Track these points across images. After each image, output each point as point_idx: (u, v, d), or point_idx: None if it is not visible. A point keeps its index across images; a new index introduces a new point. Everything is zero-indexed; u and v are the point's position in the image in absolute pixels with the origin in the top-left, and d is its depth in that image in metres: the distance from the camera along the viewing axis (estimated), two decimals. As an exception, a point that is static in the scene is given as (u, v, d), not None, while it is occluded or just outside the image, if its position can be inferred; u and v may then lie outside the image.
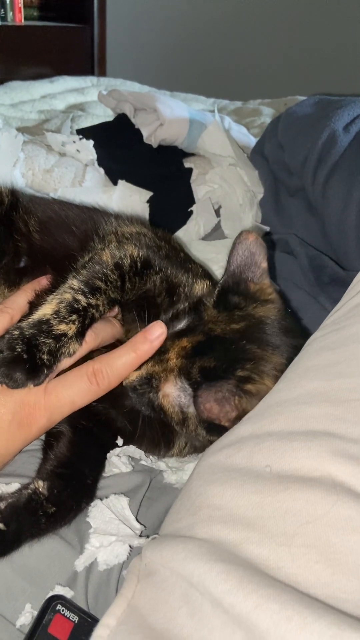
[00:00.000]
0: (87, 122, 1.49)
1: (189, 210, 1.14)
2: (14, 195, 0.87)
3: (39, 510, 0.61)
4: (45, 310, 0.63)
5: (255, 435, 0.52)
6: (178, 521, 0.51)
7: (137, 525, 0.64)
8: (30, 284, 0.75)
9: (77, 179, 1.13)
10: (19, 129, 1.32)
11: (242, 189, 1.17)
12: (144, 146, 1.24)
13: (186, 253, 0.86)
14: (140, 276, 0.71)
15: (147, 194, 1.12)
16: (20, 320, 0.68)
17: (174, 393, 0.67)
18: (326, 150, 1.00)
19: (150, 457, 0.75)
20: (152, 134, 1.23)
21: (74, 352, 0.63)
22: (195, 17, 3.36)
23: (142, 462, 0.74)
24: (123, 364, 0.66)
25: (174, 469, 0.76)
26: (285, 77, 3.18)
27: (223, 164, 1.21)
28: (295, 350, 0.63)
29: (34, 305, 0.70)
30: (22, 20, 3.14)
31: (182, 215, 1.13)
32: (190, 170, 1.22)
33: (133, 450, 0.73)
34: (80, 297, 0.65)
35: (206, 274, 0.81)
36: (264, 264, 0.71)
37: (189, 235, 1.12)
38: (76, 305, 0.64)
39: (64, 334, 0.62)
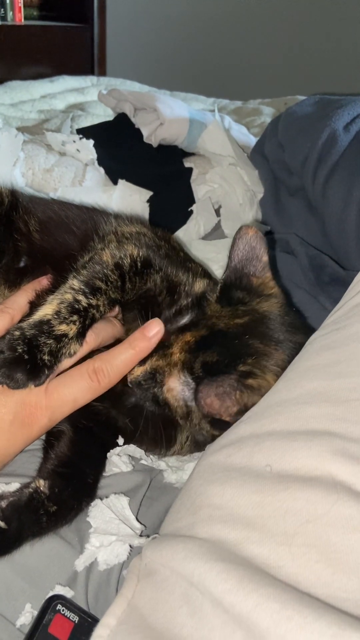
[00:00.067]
0: (87, 122, 1.49)
1: (189, 209, 1.14)
2: (14, 195, 0.87)
3: (40, 509, 0.61)
4: (46, 310, 0.63)
5: (256, 435, 0.52)
6: (178, 521, 0.51)
7: (137, 525, 0.64)
8: (31, 283, 0.75)
9: (77, 179, 1.13)
10: (19, 129, 1.32)
11: (242, 188, 1.17)
12: (144, 146, 1.24)
13: (185, 252, 0.86)
14: (141, 276, 0.71)
15: (147, 194, 1.12)
16: (20, 321, 0.68)
17: (178, 387, 0.68)
18: (326, 149, 1.00)
19: (151, 456, 0.75)
20: (152, 134, 1.23)
21: (75, 353, 0.63)
22: (195, 17, 3.36)
23: (143, 462, 0.74)
24: (123, 361, 0.67)
25: (174, 469, 0.76)
26: (285, 77, 3.18)
27: (223, 164, 1.21)
28: (298, 346, 0.64)
29: (34, 305, 0.70)
30: (22, 19, 3.14)
31: (182, 214, 1.13)
32: (190, 169, 1.22)
33: (133, 449, 0.73)
34: (81, 297, 0.65)
35: (206, 273, 0.81)
36: (265, 257, 0.71)
37: (189, 234, 1.12)
38: (77, 306, 0.64)
39: (65, 335, 0.62)
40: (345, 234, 0.94)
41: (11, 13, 3.09)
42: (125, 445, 0.73)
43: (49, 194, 1.10)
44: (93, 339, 0.66)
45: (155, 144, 1.24)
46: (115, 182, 1.14)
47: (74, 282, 0.66)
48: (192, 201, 1.16)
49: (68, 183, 1.13)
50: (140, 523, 0.65)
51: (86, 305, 0.65)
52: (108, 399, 0.70)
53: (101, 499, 0.65)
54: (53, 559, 0.61)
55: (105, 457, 0.71)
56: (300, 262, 0.99)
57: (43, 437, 0.70)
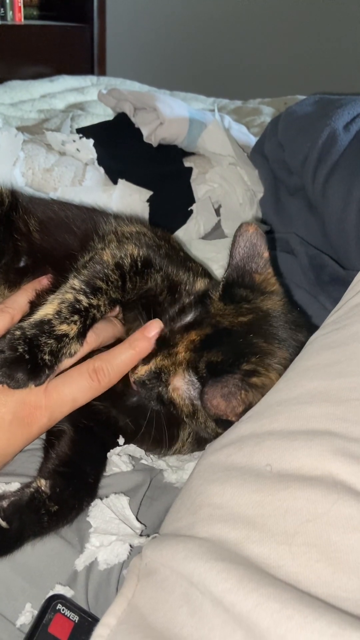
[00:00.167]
0: (87, 121, 1.49)
1: (189, 209, 1.14)
2: (14, 195, 0.87)
3: (41, 509, 0.61)
4: (47, 310, 0.64)
5: (256, 435, 0.52)
6: (178, 520, 0.51)
7: (138, 525, 0.64)
8: (31, 283, 0.75)
9: (77, 178, 1.13)
10: (18, 128, 1.32)
11: (242, 188, 1.17)
12: (144, 145, 1.24)
13: (185, 252, 0.86)
14: (141, 275, 0.71)
15: (147, 193, 1.12)
16: (21, 320, 0.68)
17: (183, 386, 0.68)
18: (326, 149, 1.00)
19: (151, 456, 0.75)
20: (152, 133, 1.23)
21: (75, 353, 0.63)
22: (195, 16, 3.36)
23: (143, 461, 0.74)
24: (123, 361, 0.67)
25: (174, 468, 0.76)
26: (285, 77, 3.18)
27: (223, 163, 1.21)
28: (300, 344, 0.64)
29: (34, 305, 0.70)
30: (22, 19, 3.14)
31: (182, 214, 1.13)
32: (190, 169, 1.22)
33: (133, 449, 0.73)
34: (81, 297, 0.65)
35: (206, 273, 0.81)
36: (266, 254, 0.71)
37: (189, 234, 1.12)
38: (78, 306, 0.64)
39: (66, 335, 0.62)
40: (345, 233, 0.94)
41: (11, 13, 3.09)
42: (126, 445, 0.73)
43: (48, 194, 1.10)
44: (93, 339, 0.66)
45: (155, 144, 1.24)
46: (115, 182, 1.14)
47: (75, 282, 0.66)
48: (192, 201, 1.16)
49: (68, 183, 1.13)
50: (141, 523, 0.65)
51: (87, 305, 0.65)
52: (108, 398, 0.70)
53: (101, 499, 0.65)
54: (53, 558, 0.61)
55: (106, 457, 0.71)
56: (300, 262, 0.99)
57: (43, 436, 0.70)
